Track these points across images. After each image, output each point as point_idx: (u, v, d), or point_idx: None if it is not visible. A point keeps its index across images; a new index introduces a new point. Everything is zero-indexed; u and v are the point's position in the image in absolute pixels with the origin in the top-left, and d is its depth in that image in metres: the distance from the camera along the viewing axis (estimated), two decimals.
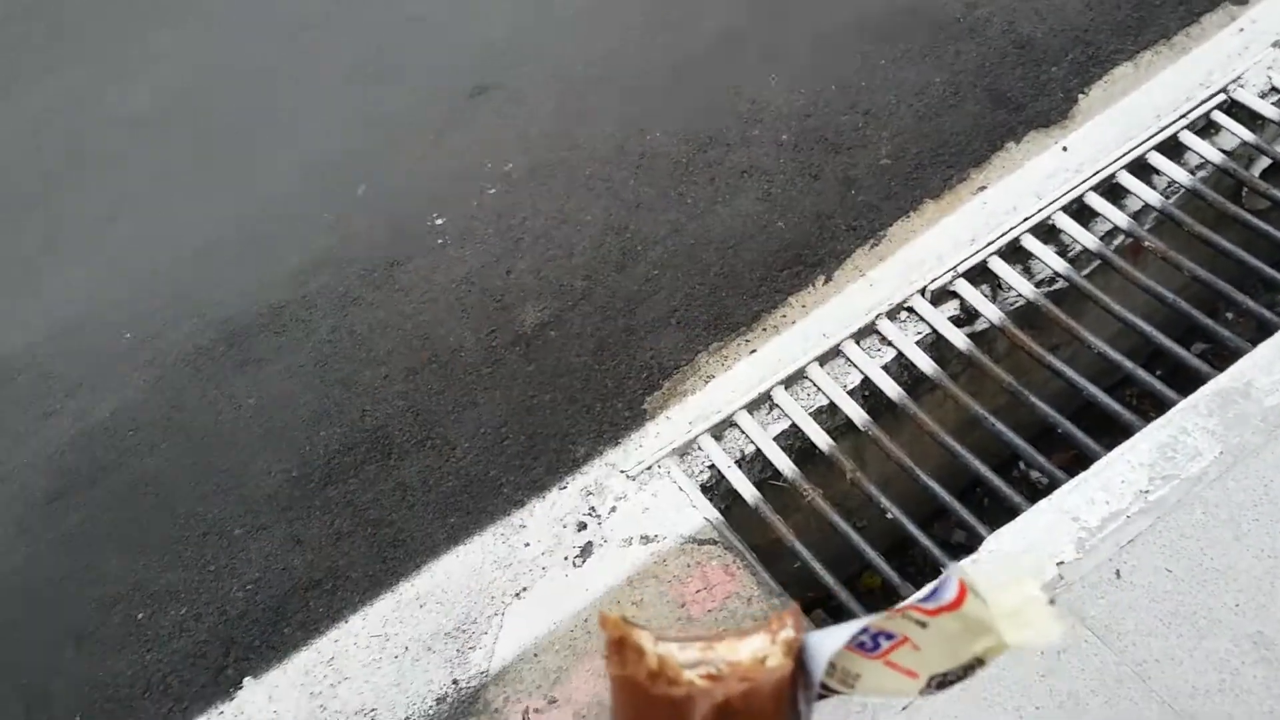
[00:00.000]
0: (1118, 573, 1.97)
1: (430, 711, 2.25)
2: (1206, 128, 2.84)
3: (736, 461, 2.52)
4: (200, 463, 3.00)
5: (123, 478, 3.06)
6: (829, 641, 0.38)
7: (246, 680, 2.46)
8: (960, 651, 0.39)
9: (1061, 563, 2.00)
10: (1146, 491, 2.06)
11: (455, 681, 2.28)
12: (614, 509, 2.47)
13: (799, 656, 0.40)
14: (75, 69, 5.17)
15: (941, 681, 0.40)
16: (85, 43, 5.33)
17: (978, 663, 0.40)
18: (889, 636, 0.40)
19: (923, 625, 0.39)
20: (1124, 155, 2.78)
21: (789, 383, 2.61)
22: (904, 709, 1.90)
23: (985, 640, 0.38)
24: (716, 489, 2.53)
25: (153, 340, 3.47)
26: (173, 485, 2.98)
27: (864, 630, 0.39)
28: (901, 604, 0.38)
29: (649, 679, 0.36)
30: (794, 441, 2.59)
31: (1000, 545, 2.07)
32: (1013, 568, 0.40)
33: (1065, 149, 2.86)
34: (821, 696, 0.41)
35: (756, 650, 0.38)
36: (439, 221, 3.45)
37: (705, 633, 0.39)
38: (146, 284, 3.72)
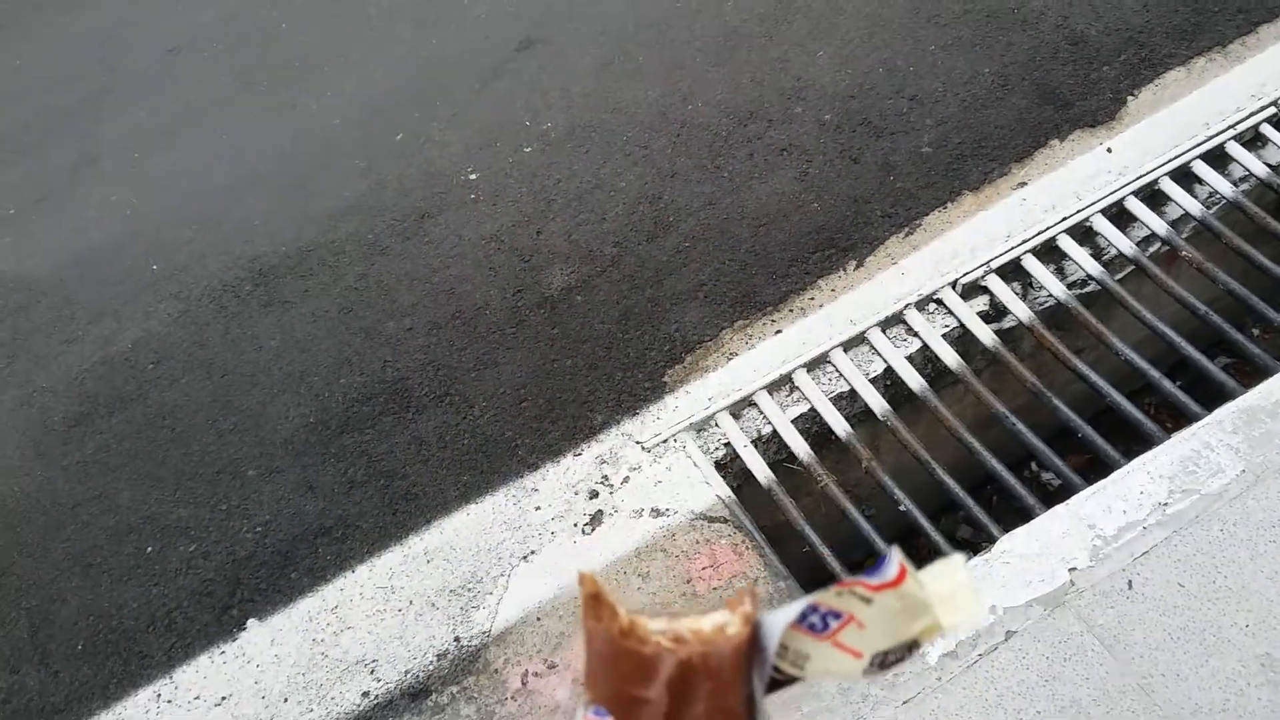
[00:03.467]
0: (1130, 583, 1.96)
1: (430, 666, 2.27)
2: (1254, 140, 2.79)
3: (753, 441, 2.52)
4: (219, 400, 3.02)
5: (141, 409, 3.08)
6: (780, 618, 0.42)
7: (251, 622, 2.48)
8: (901, 630, 0.42)
9: (1074, 569, 1.99)
10: (1165, 504, 2.05)
11: (457, 639, 2.29)
12: (627, 479, 2.47)
13: (755, 634, 0.43)
14: None
15: (883, 661, 0.43)
16: None
17: (915, 645, 0.43)
18: (836, 616, 0.43)
19: (867, 601, 0.42)
20: (1168, 161, 2.74)
21: (811, 366, 2.60)
22: (905, 703, 1.90)
23: (924, 620, 0.41)
24: (730, 467, 2.53)
25: (179, 273, 3.48)
26: (190, 421, 2.99)
27: (813, 609, 0.42)
28: (846, 579, 0.41)
29: (620, 634, 0.40)
30: (812, 425, 2.58)
31: (1013, 546, 2.06)
32: (945, 560, 0.44)
33: (1110, 150, 2.82)
34: (774, 683, 0.44)
35: (718, 622, 0.43)
36: (473, 176, 3.44)
37: (671, 613, 0.42)
38: (178, 215, 3.72)
